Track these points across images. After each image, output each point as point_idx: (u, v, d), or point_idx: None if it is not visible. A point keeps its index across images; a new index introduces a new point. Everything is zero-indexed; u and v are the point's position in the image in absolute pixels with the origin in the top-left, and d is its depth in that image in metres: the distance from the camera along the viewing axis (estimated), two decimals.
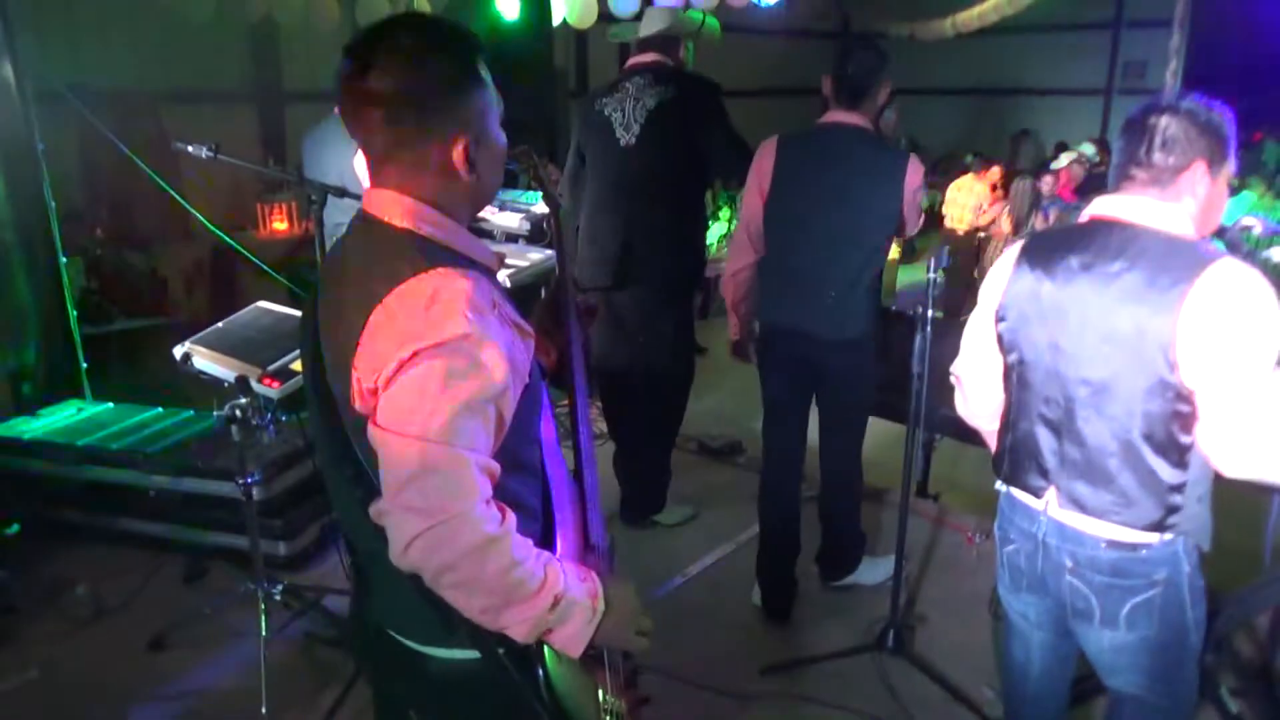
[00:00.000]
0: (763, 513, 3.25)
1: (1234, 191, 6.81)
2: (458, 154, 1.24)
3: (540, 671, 1.29)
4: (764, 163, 2.96)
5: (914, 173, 2.86)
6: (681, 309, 3.75)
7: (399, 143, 1.23)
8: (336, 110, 4.10)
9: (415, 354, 1.13)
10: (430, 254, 1.21)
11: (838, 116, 2.87)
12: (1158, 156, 1.64)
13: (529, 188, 4.86)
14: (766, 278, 3.06)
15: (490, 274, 1.31)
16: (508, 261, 4.04)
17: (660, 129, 3.40)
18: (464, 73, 1.24)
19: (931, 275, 2.66)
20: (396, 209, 1.25)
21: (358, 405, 1.19)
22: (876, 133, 2.94)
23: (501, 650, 1.25)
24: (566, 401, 1.52)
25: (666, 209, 3.48)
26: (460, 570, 1.13)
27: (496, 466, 1.18)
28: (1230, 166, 1.68)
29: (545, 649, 1.29)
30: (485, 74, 1.27)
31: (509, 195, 4.95)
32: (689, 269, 3.65)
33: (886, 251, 3.04)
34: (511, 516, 1.18)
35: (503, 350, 1.18)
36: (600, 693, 1.43)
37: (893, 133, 4.28)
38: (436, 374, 1.13)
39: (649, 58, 3.53)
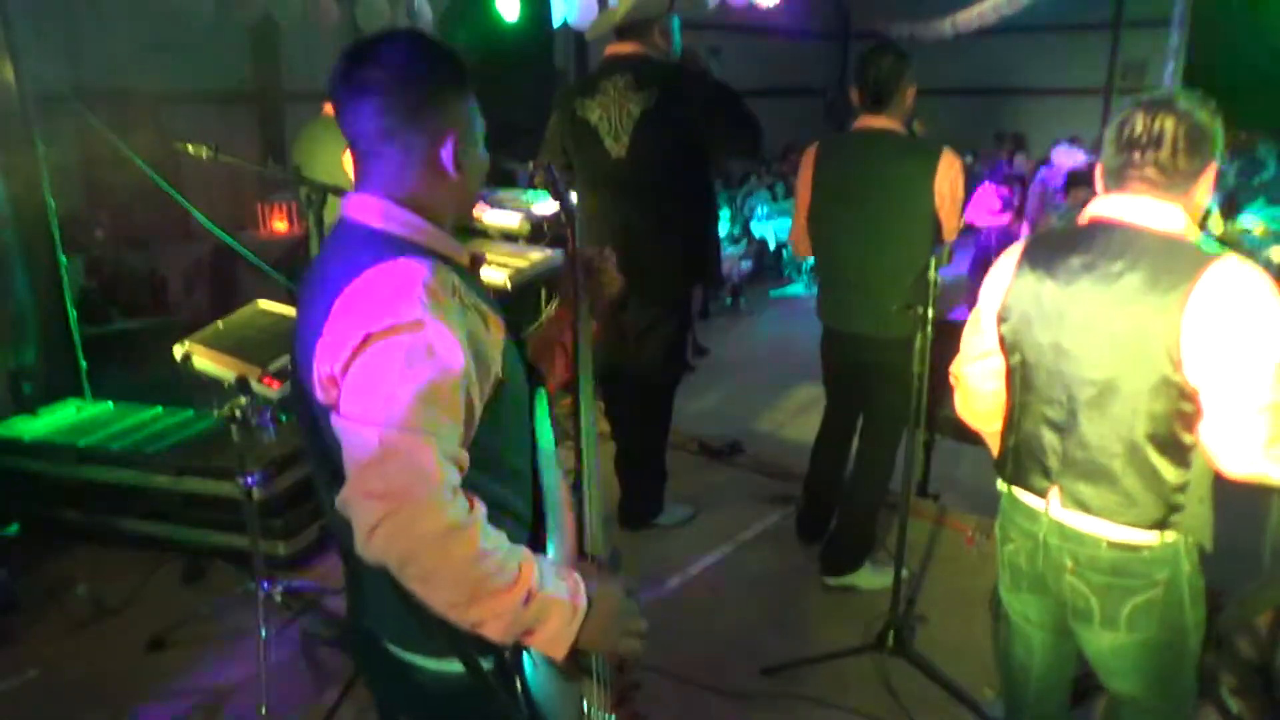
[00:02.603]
0: (810, 466, 3.56)
1: (1254, 196, 6.82)
2: (447, 150, 1.27)
3: (519, 683, 1.27)
4: (805, 170, 3.16)
5: (946, 168, 2.86)
6: (684, 311, 3.74)
7: (389, 133, 1.25)
8: (326, 109, 4.11)
9: (367, 337, 1.13)
10: (395, 248, 1.22)
11: (866, 121, 2.99)
12: (1182, 161, 1.62)
13: (530, 187, 4.85)
14: (819, 277, 3.32)
15: (457, 267, 1.29)
16: (508, 262, 4.03)
17: (652, 138, 3.27)
18: (455, 75, 1.29)
19: (932, 275, 2.66)
20: (374, 210, 1.27)
21: (321, 396, 1.20)
22: (908, 133, 3.04)
23: (483, 661, 1.24)
24: (567, 401, 1.51)
25: (670, 215, 3.37)
26: (422, 560, 1.10)
27: (464, 456, 1.16)
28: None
29: (526, 660, 1.28)
30: (472, 91, 1.32)
31: (507, 194, 4.95)
32: (699, 268, 3.58)
33: (927, 251, 3.00)
34: (481, 507, 1.15)
35: (462, 337, 1.17)
36: (585, 706, 1.40)
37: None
38: (392, 359, 1.13)
39: (627, 48, 3.35)
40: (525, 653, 1.29)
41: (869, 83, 2.93)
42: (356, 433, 1.12)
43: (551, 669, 1.30)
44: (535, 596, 1.16)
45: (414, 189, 1.28)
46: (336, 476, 1.21)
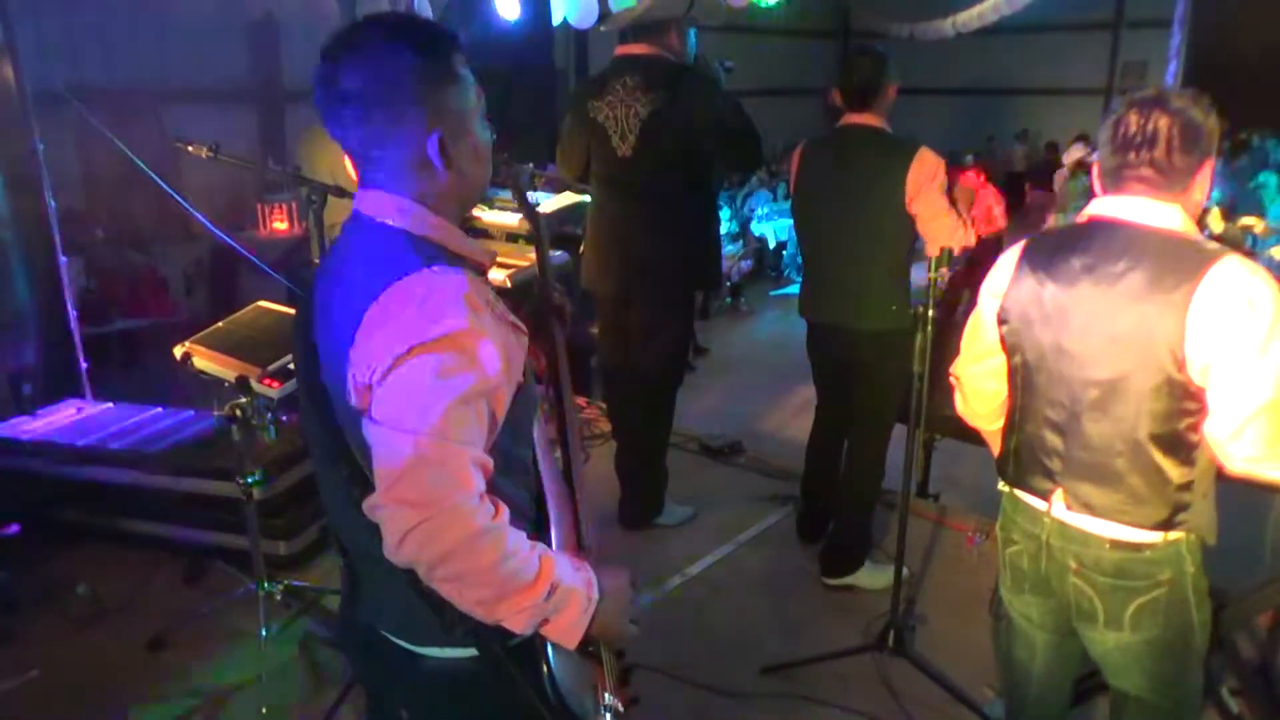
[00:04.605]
0: (805, 467, 3.57)
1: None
2: (432, 148, 1.24)
3: (545, 668, 1.29)
4: (793, 168, 3.22)
5: (920, 163, 2.87)
6: (686, 311, 3.73)
7: (373, 139, 1.24)
8: None
9: (411, 350, 1.13)
10: (424, 252, 1.22)
11: (850, 119, 3.03)
12: (1177, 159, 1.63)
13: (532, 187, 4.85)
14: (803, 274, 3.34)
15: (482, 273, 1.31)
16: (508, 261, 4.04)
17: (658, 138, 3.28)
18: (434, 66, 1.24)
19: (932, 275, 2.66)
20: (388, 207, 1.26)
21: (353, 401, 1.20)
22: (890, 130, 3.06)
23: (503, 649, 1.25)
24: (547, 407, 1.53)
25: (673, 216, 3.39)
26: (454, 563, 1.12)
27: (490, 461, 1.18)
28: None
29: (549, 646, 1.29)
30: (462, 70, 1.27)
31: (506, 194, 4.94)
32: (699, 272, 3.59)
33: (902, 247, 3.03)
34: (505, 510, 1.18)
35: (498, 346, 1.19)
36: (600, 691, 1.43)
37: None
38: (431, 368, 1.13)
39: (639, 49, 3.36)
40: (546, 640, 1.31)
41: (852, 86, 2.99)
42: (390, 439, 1.13)
43: (567, 654, 1.32)
44: (557, 589, 1.21)
45: (412, 189, 1.26)
46: (357, 476, 1.23)
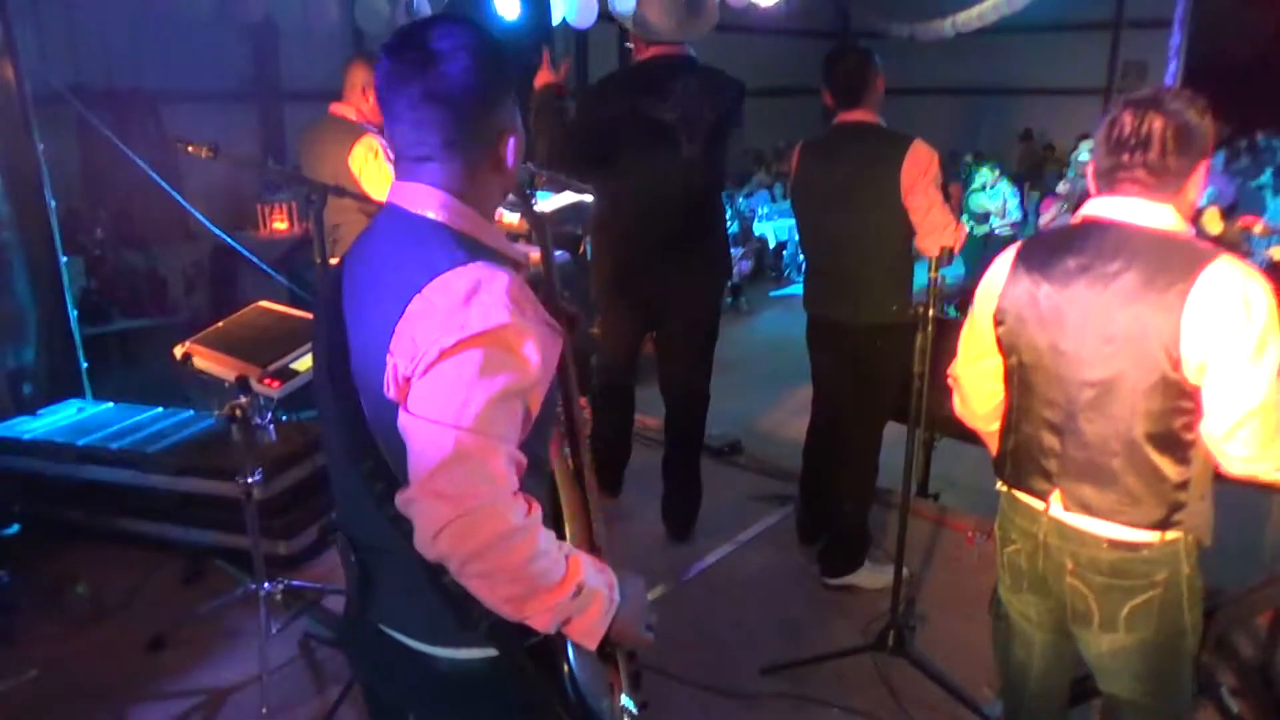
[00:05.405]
0: (803, 466, 3.58)
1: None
2: (509, 150, 1.28)
3: (565, 668, 1.30)
4: (792, 168, 3.26)
5: (915, 155, 2.89)
6: (719, 307, 3.73)
7: (449, 144, 1.24)
8: (330, 109, 4.06)
9: (458, 343, 1.13)
10: (468, 248, 1.22)
11: (843, 116, 3.06)
12: (1171, 161, 1.63)
13: (531, 186, 4.84)
14: (805, 271, 3.38)
15: (520, 272, 1.31)
16: None
17: (718, 139, 3.31)
18: (511, 77, 1.28)
19: (933, 274, 2.66)
20: (430, 202, 1.26)
21: (391, 393, 1.19)
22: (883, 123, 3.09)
23: (521, 648, 1.25)
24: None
25: (714, 214, 3.49)
26: (487, 559, 1.12)
27: (524, 458, 1.19)
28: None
29: (569, 647, 1.29)
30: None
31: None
32: (726, 267, 3.68)
33: (899, 240, 3.04)
34: (538, 508, 1.18)
35: (537, 345, 1.19)
36: (616, 692, 1.43)
37: None
38: (475, 362, 1.13)
39: (677, 50, 3.30)
40: (567, 641, 1.31)
41: (839, 84, 3.02)
42: (429, 432, 1.13)
43: (587, 656, 1.33)
44: (583, 590, 1.21)
45: (471, 187, 1.28)
46: (380, 471, 1.22)
